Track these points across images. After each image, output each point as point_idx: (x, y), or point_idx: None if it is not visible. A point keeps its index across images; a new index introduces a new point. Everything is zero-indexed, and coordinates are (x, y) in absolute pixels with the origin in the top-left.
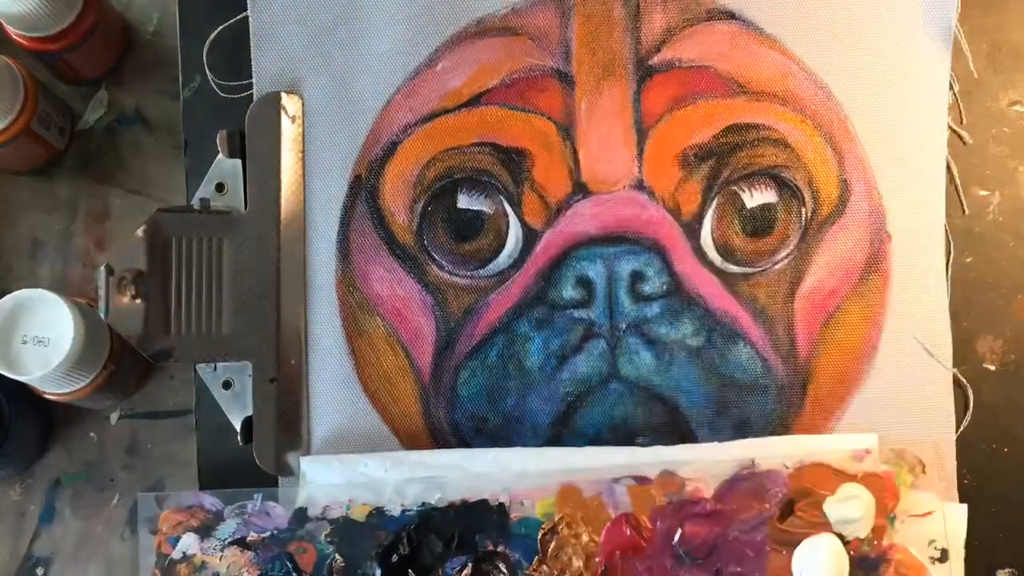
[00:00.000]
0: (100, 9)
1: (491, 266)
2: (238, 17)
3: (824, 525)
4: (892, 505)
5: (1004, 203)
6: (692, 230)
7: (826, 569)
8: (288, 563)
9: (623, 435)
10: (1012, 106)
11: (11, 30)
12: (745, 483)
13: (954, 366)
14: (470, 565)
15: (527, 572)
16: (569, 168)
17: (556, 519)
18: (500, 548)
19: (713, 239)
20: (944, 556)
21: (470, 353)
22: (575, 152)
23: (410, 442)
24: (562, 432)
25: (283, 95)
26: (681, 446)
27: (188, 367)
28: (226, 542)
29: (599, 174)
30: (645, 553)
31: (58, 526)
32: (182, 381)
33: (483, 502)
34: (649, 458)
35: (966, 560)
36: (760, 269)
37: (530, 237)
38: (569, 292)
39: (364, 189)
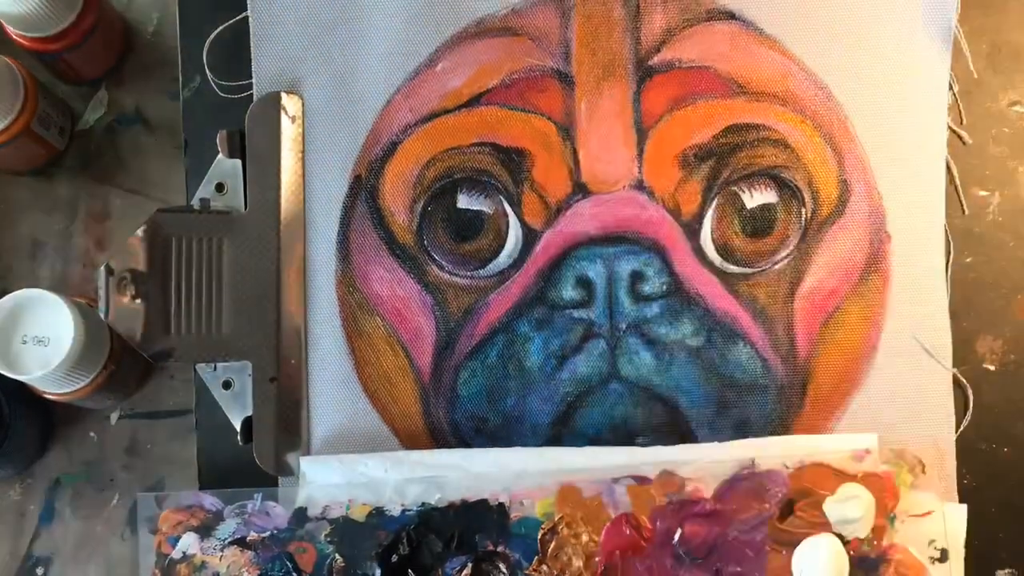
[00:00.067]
0: (100, 9)
1: (491, 266)
2: (238, 17)
3: (824, 525)
4: (892, 505)
5: (1004, 203)
6: (692, 230)
7: (826, 569)
8: (288, 563)
9: (623, 435)
10: (1012, 106)
11: (11, 30)
12: (745, 483)
13: (954, 366)
14: (470, 565)
15: (527, 572)
16: (569, 168)
17: (556, 519)
18: (500, 548)
19: (713, 239)
20: (944, 556)
21: (470, 353)
22: (575, 152)
23: (410, 442)
24: (562, 432)
25: (283, 95)
26: (681, 446)
27: (188, 367)
28: (226, 542)
29: (599, 174)
30: (645, 553)
31: (58, 526)
32: (182, 381)
33: (483, 502)
34: (649, 458)
35: (966, 560)
36: (760, 269)
37: (530, 237)
38: (569, 292)
39: (364, 189)
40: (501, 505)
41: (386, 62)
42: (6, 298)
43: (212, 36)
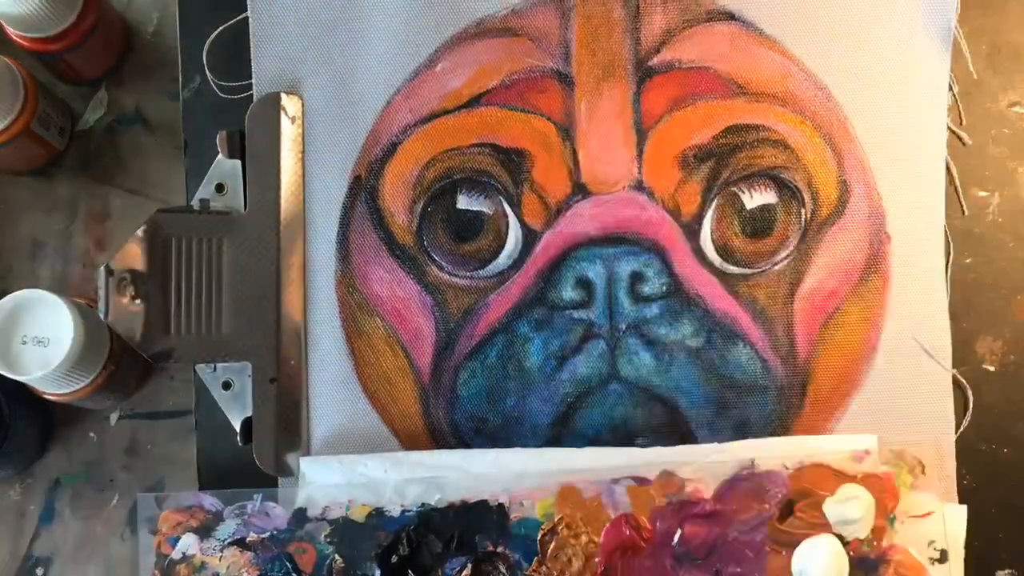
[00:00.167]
0: (100, 9)
1: (491, 267)
2: (238, 18)
3: (824, 526)
4: (892, 506)
5: (1003, 204)
6: (692, 231)
7: (826, 570)
8: (288, 563)
9: (623, 436)
10: (1011, 107)
11: (11, 30)
12: (744, 484)
13: (954, 367)
14: (470, 566)
15: (527, 573)
16: (569, 169)
17: (556, 520)
18: (500, 549)
19: (713, 240)
20: (944, 557)
21: (470, 354)
22: (575, 153)
23: (410, 443)
24: (562, 433)
25: (283, 96)
26: (680, 447)
27: (188, 368)
28: (226, 542)
29: (599, 175)
30: (645, 554)
31: (58, 526)
32: (182, 381)
33: (483, 503)
34: (649, 459)
35: (966, 561)
36: (760, 270)
37: (530, 238)
38: (569, 293)
39: (364, 190)
40: (501, 506)
41: (386, 63)
42: (6, 298)
43: (212, 36)
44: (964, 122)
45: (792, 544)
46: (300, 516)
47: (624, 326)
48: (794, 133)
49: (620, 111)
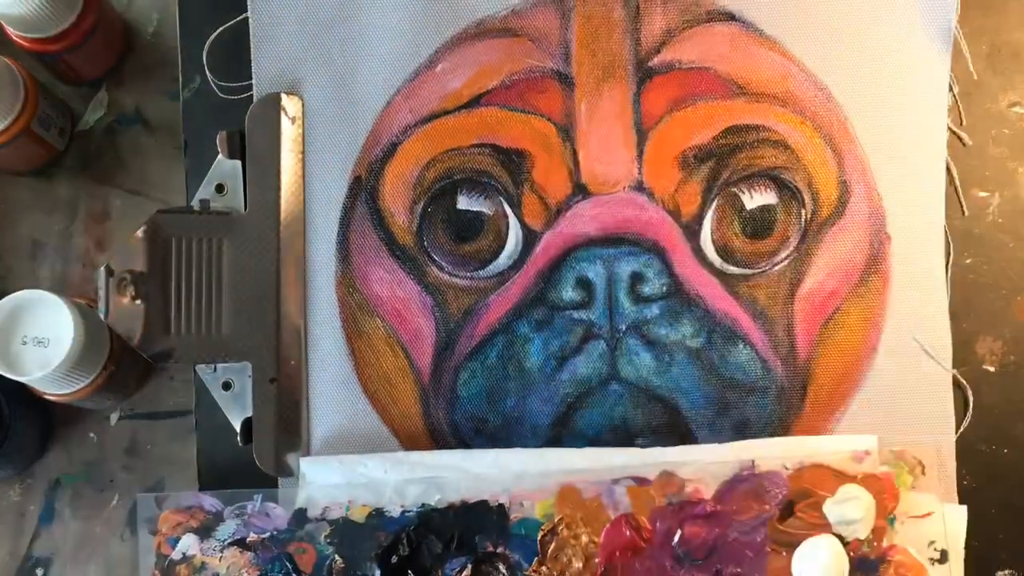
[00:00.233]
0: (100, 10)
1: (491, 267)
2: (238, 18)
3: (824, 526)
4: (892, 506)
5: (1004, 204)
6: (692, 231)
7: (826, 570)
8: (288, 564)
9: (623, 436)
10: (1012, 107)
11: (11, 31)
12: (745, 484)
13: (954, 367)
14: (470, 566)
15: (527, 573)
16: (569, 169)
17: (556, 520)
18: (500, 549)
19: (713, 240)
20: (944, 557)
21: (470, 354)
22: (575, 153)
23: (410, 443)
24: (562, 433)
25: (283, 96)
26: (681, 447)
27: (188, 368)
28: (226, 543)
29: (599, 175)
30: (645, 554)
31: (58, 526)
32: (182, 382)
33: (483, 503)
34: (649, 459)
35: (966, 561)
36: (760, 270)
37: (530, 238)
38: (569, 293)
39: (364, 190)
40: (501, 506)
41: (386, 63)
42: (6, 299)
43: (212, 37)
44: (964, 122)
45: (792, 544)
46: (300, 516)
47: (624, 326)
48: (794, 133)
49: (620, 111)
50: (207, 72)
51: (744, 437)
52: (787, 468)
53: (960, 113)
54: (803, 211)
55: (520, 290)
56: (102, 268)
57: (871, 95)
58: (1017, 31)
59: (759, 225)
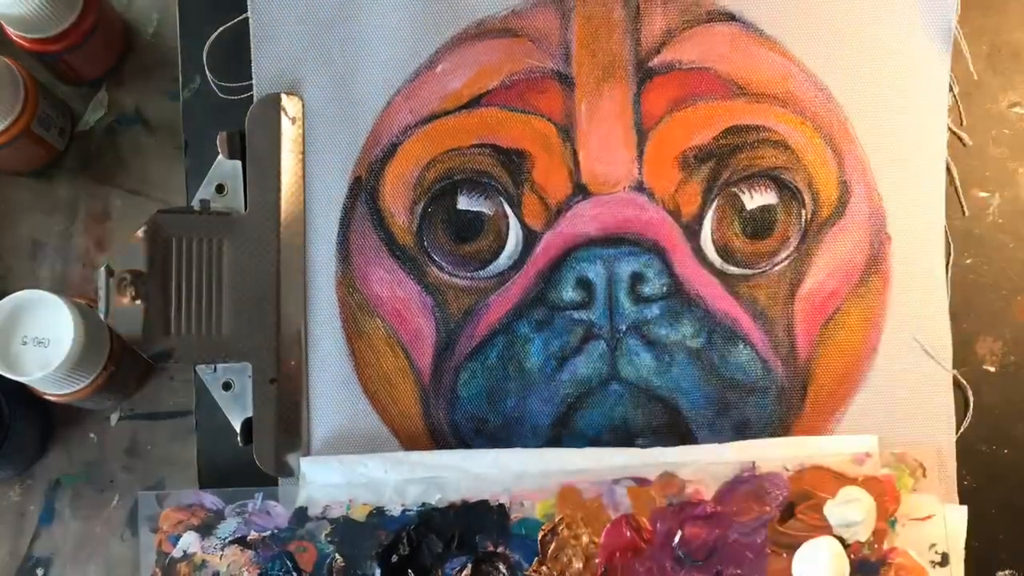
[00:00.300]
0: (100, 10)
1: (491, 267)
2: (238, 18)
3: (825, 528)
4: (893, 509)
5: (1004, 205)
6: (692, 231)
7: (826, 572)
8: (288, 562)
9: (623, 436)
10: (1012, 108)
11: (11, 31)
12: (745, 485)
13: (954, 367)
14: (470, 566)
15: (527, 573)
16: (569, 169)
17: (556, 520)
18: (500, 549)
19: (713, 240)
20: (945, 560)
21: (470, 354)
22: (575, 153)
23: (410, 443)
24: (562, 433)
25: (283, 96)
26: (681, 447)
27: (188, 368)
28: (226, 541)
29: (599, 175)
30: (645, 555)
31: (58, 527)
32: (182, 382)
33: (483, 503)
34: (649, 459)
35: (966, 562)
36: (760, 271)
37: (530, 238)
38: (569, 293)
39: (364, 190)
40: (501, 506)
41: (386, 64)
42: (6, 299)
43: (212, 37)
44: (964, 123)
45: (793, 546)
46: (301, 515)
47: (624, 327)
48: (794, 134)
49: (620, 112)
50: (207, 72)
51: (744, 437)
52: (788, 470)
53: (960, 113)
54: (803, 211)
55: (520, 290)
56: (102, 268)
57: (871, 95)
58: (1017, 31)
59: (759, 225)
